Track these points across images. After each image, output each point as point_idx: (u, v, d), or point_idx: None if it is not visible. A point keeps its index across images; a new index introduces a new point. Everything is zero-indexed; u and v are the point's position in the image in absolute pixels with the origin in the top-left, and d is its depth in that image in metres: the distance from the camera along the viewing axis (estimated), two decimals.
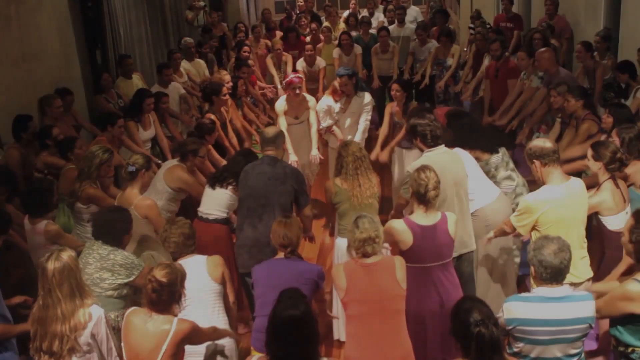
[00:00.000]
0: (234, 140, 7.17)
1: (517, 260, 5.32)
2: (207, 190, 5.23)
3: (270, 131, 5.05)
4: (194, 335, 3.45)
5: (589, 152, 4.47)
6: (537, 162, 4.14)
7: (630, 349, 3.47)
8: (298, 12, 12.90)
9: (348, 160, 4.70)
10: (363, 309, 3.66)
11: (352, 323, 3.72)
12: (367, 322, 3.66)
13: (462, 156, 4.86)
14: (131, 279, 4.03)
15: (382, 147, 6.70)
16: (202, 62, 9.22)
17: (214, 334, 3.77)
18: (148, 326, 3.32)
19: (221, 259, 4.06)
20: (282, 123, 6.74)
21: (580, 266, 4.10)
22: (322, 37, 10.04)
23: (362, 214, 3.78)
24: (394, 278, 3.67)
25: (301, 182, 4.88)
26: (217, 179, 5.20)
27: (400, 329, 3.71)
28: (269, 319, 3.01)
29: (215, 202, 5.16)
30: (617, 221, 4.32)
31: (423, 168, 4.06)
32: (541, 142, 4.18)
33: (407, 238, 3.99)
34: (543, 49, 7.36)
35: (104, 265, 3.99)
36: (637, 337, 3.43)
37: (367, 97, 6.91)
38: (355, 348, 3.70)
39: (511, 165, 5.40)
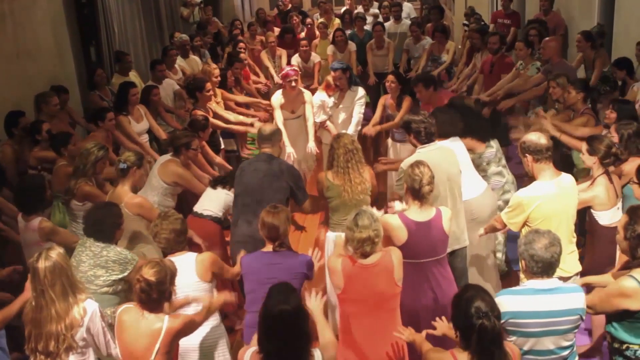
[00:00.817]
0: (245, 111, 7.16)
1: (500, 255, 5.35)
2: (208, 190, 5.28)
3: (266, 129, 5.05)
4: (187, 328, 3.43)
5: (584, 147, 4.46)
6: (529, 157, 4.14)
7: (624, 346, 3.48)
8: (284, 9, 12.90)
9: (339, 152, 4.67)
10: (359, 308, 3.67)
11: (347, 319, 3.73)
12: (362, 321, 3.68)
13: (455, 148, 4.86)
14: (125, 274, 4.02)
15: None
16: (197, 59, 9.19)
17: (207, 314, 3.71)
18: (140, 325, 3.30)
19: (211, 257, 4.02)
20: (279, 116, 6.73)
21: (569, 260, 4.11)
22: (317, 33, 10.03)
23: (362, 210, 3.69)
24: (392, 279, 3.66)
25: (297, 179, 4.88)
26: (219, 181, 5.26)
27: (395, 324, 3.72)
28: (260, 315, 2.99)
29: (214, 201, 5.20)
30: (608, 216, 4.34)
31: (417, 163, 4.06)
32: (536, 138, 4.16)
33: (401, 234, 3.99)
34: (549, 38, 7.35)
35: (98, 262, 3.99)
36: (631, 334, 3.44)
37: (361, 91, 6.92)
38: (349, 343, 3.71)
39: (503, 161, 5.41)
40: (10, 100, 6.19)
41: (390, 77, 6.67)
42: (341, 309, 3.77)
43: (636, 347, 3.45)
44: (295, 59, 9.07)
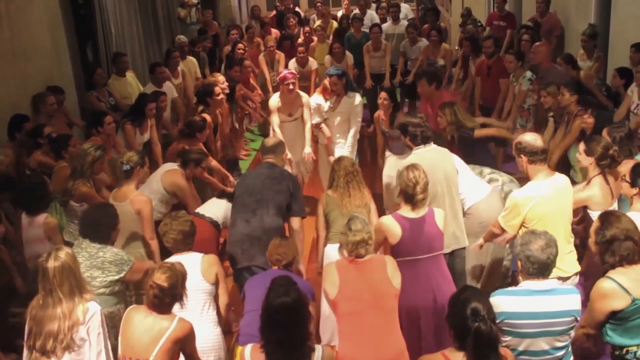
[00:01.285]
0: (218, 144, 7.20)
1: (509, 257, 5.28)
2: (213, 198, 5.39)
3: (270, 141, 5.15)
4: (191, 337, 3.44)
5: (581, 147, 4.47)
6: (524, 158, 4.13)
7: (624, 350, 3.50)
8: (281, 8, 12.90)
9: (340, 174, 4.77)
10: (356, 306, 3.67)
11: (344, 321, 3.72)
12: (360, 320, 3.67)
13: (452, 155, 4.89)
14: (122, 275, 4.03)
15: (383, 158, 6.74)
16: (194, 60, 9.19)
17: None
18: (148, 321, 3.33)
19: (216, 259, 4.07)
20: (275, 120, 6.74)
21: (567, 260, 4.12)
22: (315, 36, 10.02)
23: (354, 215, 3.81)
24: (386, 275, 3.70)
25: (297, 187, 4.90)
26: (226, 195, 5.33)
27: (394, 326, 3.72)
28: (262, 306, 3.12)
29: (217, 207, 5.26)
30: None
31: (412, 167, 4.07)
32: (532, 140, 4.14)
33: (395, 230, 4.02)
34: (539, 43, 7.38)
35: (94, 263, 3.99)
36: (626, 336, 3.46)
37: (357, 98, 6.89)
38: (349, 346, 3.69)
39: (487, 170, 5.37)
40: (6, 101, 6.19)
41: (383, 95, 6.64)
42: (338, 311, 3.75)
43: (635, 349, 3.47)
44: (292, 64, 9.05)
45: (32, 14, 6.97)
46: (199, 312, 3.95)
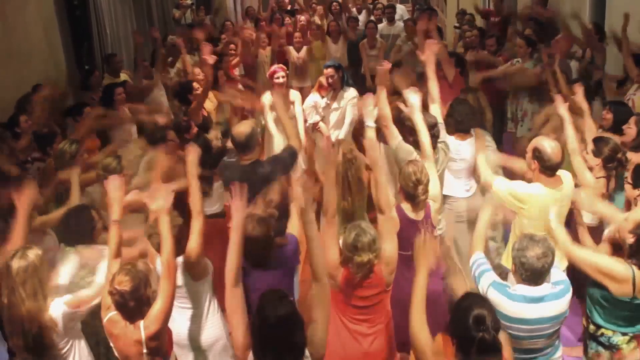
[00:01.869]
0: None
1: (501, 251, 5.17)
2: None
3: (240, 134, 4.49)
4: (166, 320, 3.32)
5: (589, 147, 4.34)
6: (537, 164, 4.02)
7: (600, 332, 3.50)
8: (276, 9, 12.92)
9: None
10: (352, 311, 3.67)
11: (335, 316, 3.68)
12: (353, 320, 3.68)
13: (465, 149, 4.89)
14: None
15: None
16: (188, 58, 9.15)
17: (170, 276, 3.36)
18: (127, 335, 3.24)
19: (198, 258, 3.87)
20: (269, 119, 6.70)
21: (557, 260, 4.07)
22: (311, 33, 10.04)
23: (361, 227, 3.54)
24: (383, 288, 3.64)
25: (281, 167, 4.54)
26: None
27: (387, 325, 3.73)
28: (252, 324, 2.85)
29: (206, 202, 5.16)
30: (589, 215, 4.29)
31: (412, 164, 4.03)
32: (552, 153, 3.96)
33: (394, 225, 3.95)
34: (562, 35, 7.29)
35: (85, 267, 3.93)
36: (606, 319, 3.45)
37: (353, 91, 6.87)
38: (338, 343, 3.69)
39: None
40: (1, 102, 6.17)
41: None
42: (333, 305, 3.73)
43: (610, 334, 3.47)
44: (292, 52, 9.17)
45: (27, 15, 6.96)
46: (203, 311, 3.89)
